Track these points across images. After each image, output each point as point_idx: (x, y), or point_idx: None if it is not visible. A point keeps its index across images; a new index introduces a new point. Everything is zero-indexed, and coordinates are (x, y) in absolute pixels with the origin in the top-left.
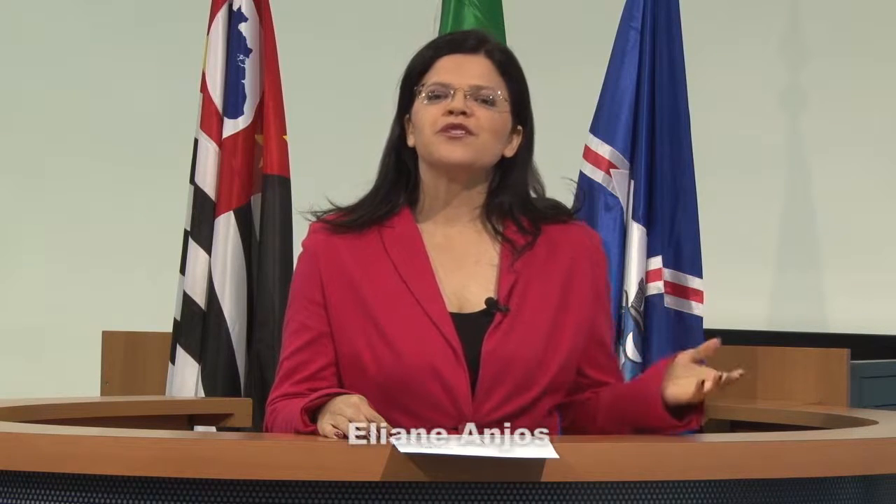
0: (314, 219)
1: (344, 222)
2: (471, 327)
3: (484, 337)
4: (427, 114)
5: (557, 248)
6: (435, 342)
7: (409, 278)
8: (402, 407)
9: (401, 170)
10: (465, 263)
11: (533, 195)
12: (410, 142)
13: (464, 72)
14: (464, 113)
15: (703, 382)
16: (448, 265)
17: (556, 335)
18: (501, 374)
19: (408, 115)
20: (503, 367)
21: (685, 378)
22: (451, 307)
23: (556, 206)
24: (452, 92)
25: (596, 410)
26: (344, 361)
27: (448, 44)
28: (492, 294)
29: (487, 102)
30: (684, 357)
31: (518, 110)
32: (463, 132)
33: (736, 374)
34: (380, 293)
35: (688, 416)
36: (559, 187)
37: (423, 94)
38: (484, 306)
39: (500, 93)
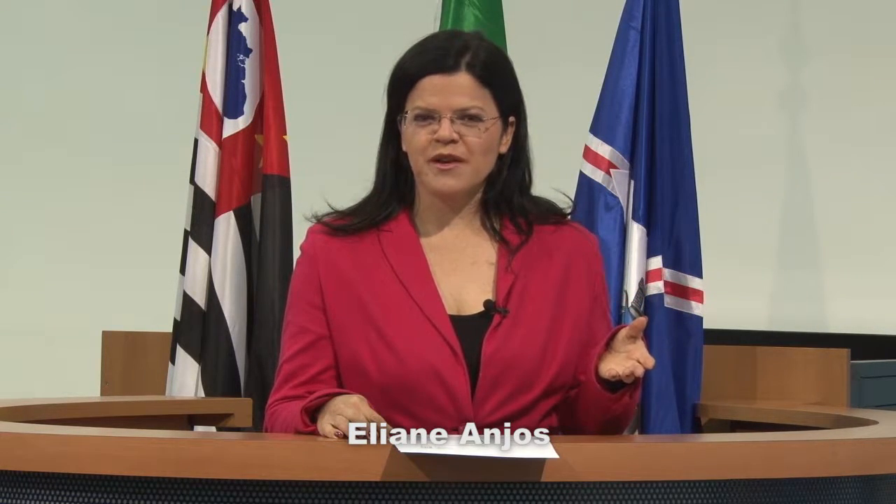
0: (313, 221)
1: (343, 226)
2: (470, 329)
3: (483, 339)
4: (416, 138)
5: (554, 248)
6: (435, 345)
7: (408, 281)
8: (402, 409)
9: (398, 172)
10: (462, 265)
11: (528, 189)
12: (405, 146)
13: (447, 94)
14: (453, 141)
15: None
16: (446, 267)
17: (555, 336)
18: (502, 376)
19: (400, 117)
20: (503, 368)
21: (618, 354)
22: (450, 309)
23: (551, 207)
24: (438, 117)
25: (575, 404)
26: (344, 365)
27: (429, 63)
28: (490, 295)
29: (474, 120)
30: (622, 333)
31: (507, 110)
32: (454, 163)
33: (640, 371)
34: (379, 296)
35: (620, 391)
36: (556, 183)
37: (411, 117)
38: (482, 308)
39: (486, 107)
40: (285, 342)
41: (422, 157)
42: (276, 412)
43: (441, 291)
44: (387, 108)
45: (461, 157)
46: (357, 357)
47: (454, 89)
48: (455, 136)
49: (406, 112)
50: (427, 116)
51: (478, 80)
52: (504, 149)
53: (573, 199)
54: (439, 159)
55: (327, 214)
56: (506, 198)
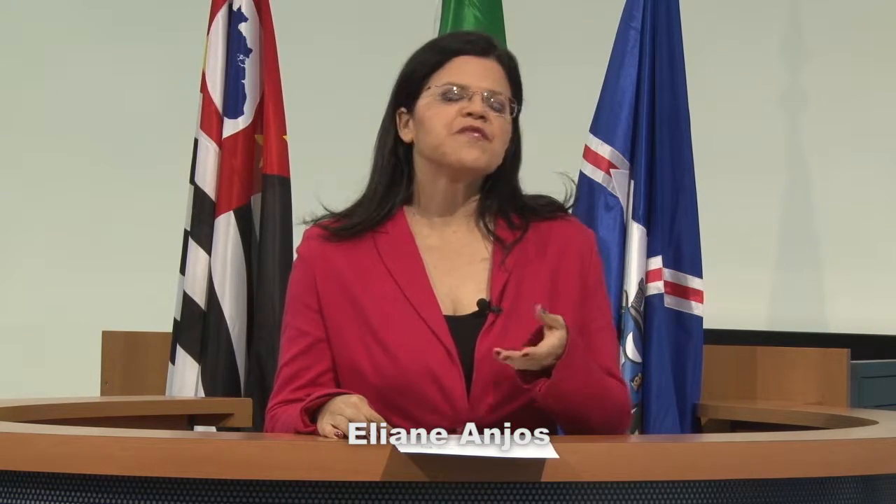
0: (309, 224)
1: (339, 229)
2: (465, 329)
3: (477, 339)
4: (442, 113)
5: (548, 244)
6: (431, 346)
7: (404, 283)
8: (399, 410)
9: (395, 170)
10: (458, 264)
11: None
12: (406, 138)
13: (481, 75)
14: (482, 117)
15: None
16: (441, 266)
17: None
18: (496, 376)
19: (402, 110)
20: (497, 368)
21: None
22: (446, 310)
23: (549, 203)
24: (471, 94)
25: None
26: (341, 367)
27: (461, 44)
28: (484, 294)
29: (499, 109)
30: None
31: (517, 114)
32: (481, 136)
33: (516, 354)
34: (375, 298)
35: (533, 381)
36: (556, 183)
37: (436, 93)
38: (476, 307)
39: (509, 100)
40: (283, 345)
41: (446, 130)
42: (276, 415)
43: (437, 292)
44: (393, 97)
45: (487, 135)
46: (354, 359)
47: (488, 72)
48: (486, 114)
49: (429, 88)
50: (457, 97)
51: (506, 73)
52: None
53: (574, 193)
54: (470, 129)
55: (323, 217)
56: (501, 199)
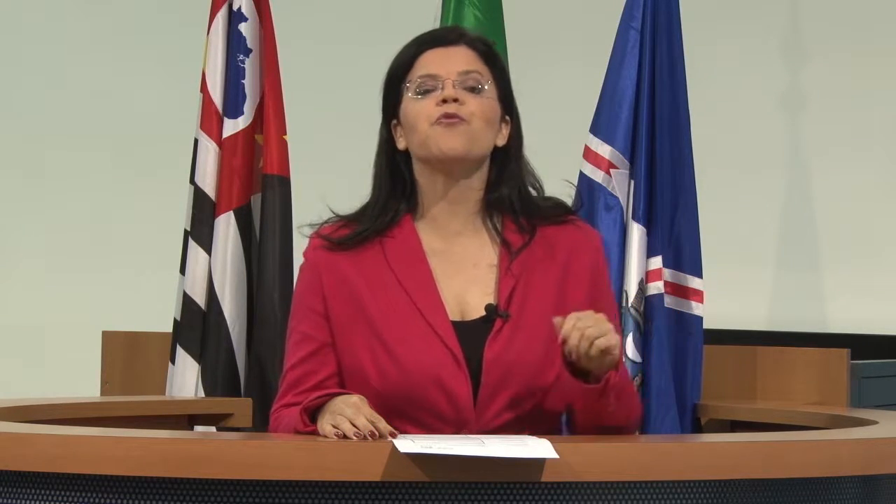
0: (313, 229)
1: (345, 238)
2: (472, 334)
3: (485, 344)
4: (420, 108)
5: (555, 248)
6: (437, 352)
7: (411, 288)
8: (404, 416)
9: (395, 177)
10: (464, 268)
11: (532, 191)
12: (401, 146)
13: (449, 61)
14: (455, 100)
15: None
16: (448, 271)
17: (556, 339)
18: (503, 382)
19: (395, 121)
20: (505, 374)
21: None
22: (453, 315)
23: (557, 205)
24: (441, 84)
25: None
26: (347, 373)
27: (429, 40)
28: (492, 299)
29: (475, 90)
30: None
31: (504, 100)
32: (457, 119)
33: (601, 343)
34: (382, 304)
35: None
36: (559, 187)
37: (412, 91)
38: (484, 312)
39: (487, 79)
40: (289, 349)
41: (426, 124)
42: (279, 417)
43: (444, 296)
44: (383, 109)
45: (463, 116)
46: (359, 365)
47: (455, 56)
48: (458, 96)
49: (408, 88)
50: (430, 88)
51: (479, 55)
52: (501, 142)
53: (576, 195)
54: (445, 117)
55: (328, 221)
56: (506, 197)
